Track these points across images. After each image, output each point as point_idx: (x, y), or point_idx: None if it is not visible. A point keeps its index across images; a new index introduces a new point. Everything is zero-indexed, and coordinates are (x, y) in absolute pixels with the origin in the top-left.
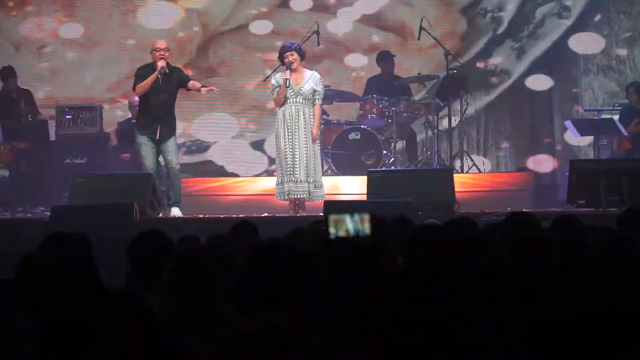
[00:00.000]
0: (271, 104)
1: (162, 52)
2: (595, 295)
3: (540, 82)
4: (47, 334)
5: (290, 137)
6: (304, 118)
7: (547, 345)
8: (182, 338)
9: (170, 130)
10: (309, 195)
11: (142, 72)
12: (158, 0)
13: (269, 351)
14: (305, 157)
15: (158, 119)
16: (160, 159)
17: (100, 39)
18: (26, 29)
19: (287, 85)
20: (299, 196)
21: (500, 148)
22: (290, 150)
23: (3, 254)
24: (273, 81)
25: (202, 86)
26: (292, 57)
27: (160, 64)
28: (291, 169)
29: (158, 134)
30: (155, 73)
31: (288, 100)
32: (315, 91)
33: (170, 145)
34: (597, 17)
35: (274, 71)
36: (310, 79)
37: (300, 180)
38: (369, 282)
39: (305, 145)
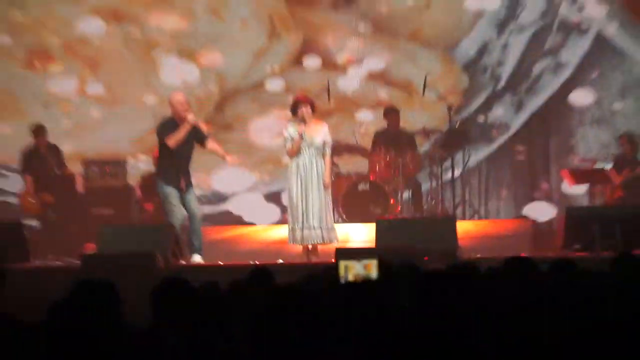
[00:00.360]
0: (285, 158)
1: (186, 106)
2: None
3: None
4: None
5: (304, 186)
6: (317, 168)
7: None
8: None
9: (190, 181)
10: (323, 240)
11: (169, 126)
12: (178, 59)
13: None
14: (319, 204)
15: (182, 170)
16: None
17: (123, 96)
18: (53, 87)
19: (302, 137)
20: (313, 242)
21: (501, 197)
22: (304, 198)
23: (34, 301)
24: (286, 134)
25: (226, 154)
26: (307, 109)
27: (191, 117)
28: (304, 216)
29: (184, 184)
30: (188, 127)
31: (301, 151)
32: (325, 142)
33: (192, 194)
34: (591, 72)
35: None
36: (321, 131)
37: (314, 227)
38: (378, 325)
39: (319, 194)
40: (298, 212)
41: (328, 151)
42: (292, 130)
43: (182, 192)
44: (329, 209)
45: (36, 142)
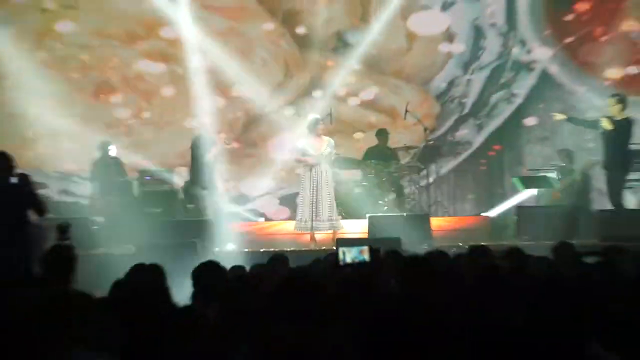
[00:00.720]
0: (299, 169)
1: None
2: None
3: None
4: (133, 338)
5: (315, 187)
6: (326, 173)
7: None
8: (228, 342)
9: (215, 185)
10: (331, 228)
11: (203, 142)
12: (214, 91)
13: (294, 354)
14: (328, 202)
15: (210, 177)
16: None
17: (169, 120)
18: (115, 113)
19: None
20: (324, 231)
21: (466, 199)
22: (315, 196)
23: (101, 280)
24: (300, 146)
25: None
26: (322, 127)
27: (223, 136)
28: (315, 211)
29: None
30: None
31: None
32: (331, 153)
33: (216, 196)
34: (537, 101)
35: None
36: (329, 145)
37: (323, 219)
38: (369, 299)
39: (328, 194)
40: (310, 207)
41: (334, 157)
42: (304, 143)
43: (210, 194)
44: (334, 204)
45: (103, 155)
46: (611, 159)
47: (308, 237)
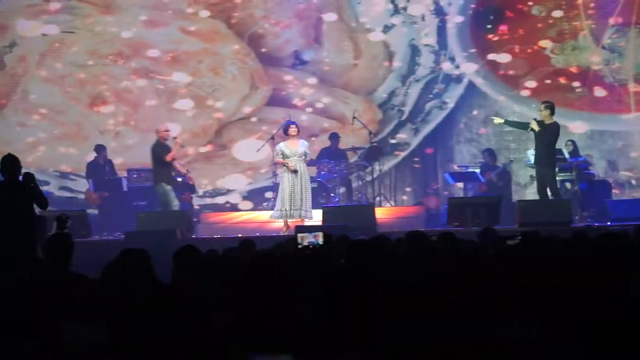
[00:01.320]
0: (279, 168)
1: (170, 133)
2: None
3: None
4: (122, 313)
5: (292, 182)
6: (301, 170)
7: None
8: (209, 312)
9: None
10: (301, 216)
11: (165, 148)
12: (190, 101)
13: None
14: (300, 195)
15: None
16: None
17: (152, 126)
18: (107, 121)
19: (286, 156)
20: (295, 218)
21: (405, 191)
22: (292, 189)
23: (94, 264)
24: (277, 149)
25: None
26: (295, 130)
27: (179, 140)
28: (292, 202)
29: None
30: (177, 147)
31: (291, 159)
32: (306, 153)
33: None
34: (465, 108)
35: (269, 140)
36: (302, 145)
37: (296, 209)
38: (322, 274)
39: (301, 187)
40: (287, 198)
41: (308, 157)
42: (283, 147)
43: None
44: (306, 197)
45: (97, 157)
46: (542, 157)
47: (276, 224)
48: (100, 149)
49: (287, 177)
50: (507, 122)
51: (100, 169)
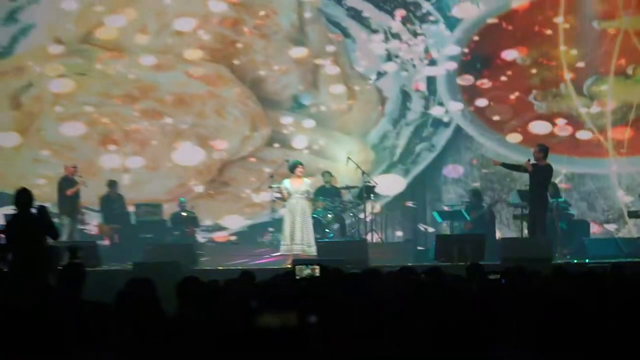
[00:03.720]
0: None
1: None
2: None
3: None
4: (132, 339)
5: (292, 219)
6: (301, 206)
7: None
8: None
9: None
10: (302, 251)
11: (69, 183)
12: (195, 141)
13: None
14: (301, 230)
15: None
16: None
17: (160, 165)
18: (118, 159)
19: (289, 193)
20: (296, 252)
21: (395, 228)
22: (293, 226)
23: (105, 291)
24: (282, 186)
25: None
26: (301, 170)
27: (82, 179)
28: (292, 238)
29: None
30: (80, 184)
31: (293, 196)
32: (308, 191)
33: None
34: (452, 150)
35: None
36: (305, 184)
37: (297, 243)
38: (319, 302)
39: (301, 223)
40: (289, 235)
41: (310, 195)
42: (287, 182)
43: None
44: (307, 232)
45: (109, 192)
46: (534, 196)
47: (275, 255)
48: (112, 184)
49: (287, 215)
50: (505, 165)
51: (112, 202)
